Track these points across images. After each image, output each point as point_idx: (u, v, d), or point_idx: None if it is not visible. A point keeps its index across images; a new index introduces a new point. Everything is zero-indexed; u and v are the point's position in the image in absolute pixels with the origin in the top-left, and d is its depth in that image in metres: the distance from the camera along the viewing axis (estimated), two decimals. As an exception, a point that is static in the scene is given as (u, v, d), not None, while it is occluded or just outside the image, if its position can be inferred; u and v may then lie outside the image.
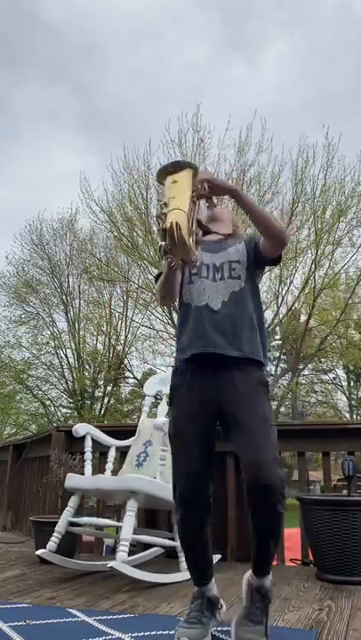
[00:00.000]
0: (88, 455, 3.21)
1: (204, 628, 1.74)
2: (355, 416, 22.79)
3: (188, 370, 1.83)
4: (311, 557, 3.04)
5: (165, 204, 1.53)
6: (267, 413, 1.74)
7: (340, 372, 22.70)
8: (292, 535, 3.96)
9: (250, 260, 1.91)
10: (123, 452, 3.47)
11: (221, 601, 1.90)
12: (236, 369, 1.76)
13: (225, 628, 1.88)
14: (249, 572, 1.79)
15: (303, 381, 20.34)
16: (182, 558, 2.83)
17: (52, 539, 2.84)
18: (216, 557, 3.03)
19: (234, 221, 2.12)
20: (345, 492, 2.97)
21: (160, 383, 3.56)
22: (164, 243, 1.50)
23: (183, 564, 2.82)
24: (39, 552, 2.88)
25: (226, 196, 1.86)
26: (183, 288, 1.92)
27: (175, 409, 1.85)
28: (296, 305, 17.84)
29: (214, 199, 1.84)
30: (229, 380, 1.76)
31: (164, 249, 1.52)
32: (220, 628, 1.89)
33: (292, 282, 17.43)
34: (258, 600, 1.73)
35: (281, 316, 17.76)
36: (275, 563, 3.46)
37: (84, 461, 3.21)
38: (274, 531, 1.71)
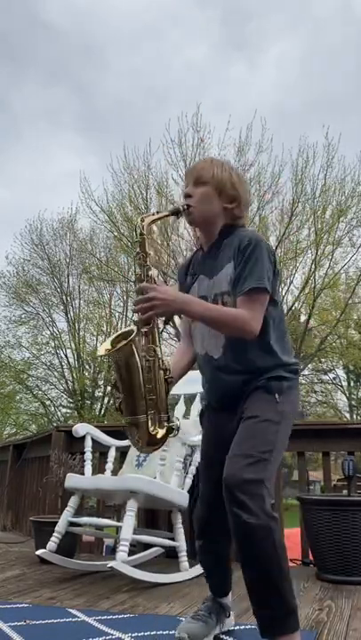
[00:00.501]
0: (88, 455, 3.21)
1: (206, 627, 1.73)
2: (355, 416, 22.79)
3: (208, 406, 1.76)
4: (311, 557, 3.04)
5: (123, 401, 1.49)
6: (263, 412, 1.55)
7: (341, 372, 22.71)
8: (292, 535, 3.96)
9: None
10: (123, 452, 3.47)
11: (231, 613, 1.87)
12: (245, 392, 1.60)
13: (224, 629, 1.88)
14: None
15: (303, 381, 20.33)
16: (182, 558, 2.83)
17: (52, 539, 2.84)
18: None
19: (224, 191, 1.62)
20: (345, 491, 2.97)
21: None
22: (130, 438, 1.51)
23: (184, 564, 2.82)
24: (39, 552, 2.88)
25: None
26: (190, 326, 1.75)
27: (203, 431, 1.80)
28: (296, 305, 17.84)
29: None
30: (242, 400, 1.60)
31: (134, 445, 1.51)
32: (224, 629, 1.89)
33: (292, 282, 17.44)
34: None
35: (281, 316, 17.72)
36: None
37: (84, 461, 3.21)
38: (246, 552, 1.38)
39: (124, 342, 1.45)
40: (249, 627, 1.93)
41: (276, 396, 1.55)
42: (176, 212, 1.62)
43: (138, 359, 1.49)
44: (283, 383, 1.58)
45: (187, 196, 1.63)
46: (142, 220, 1.62)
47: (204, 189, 1.60)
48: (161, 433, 1.49)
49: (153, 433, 1.49)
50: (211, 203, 1.61)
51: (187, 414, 3.41)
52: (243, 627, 1.92)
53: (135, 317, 1.55)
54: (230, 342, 1.58)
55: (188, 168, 1.76)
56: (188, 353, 1.74)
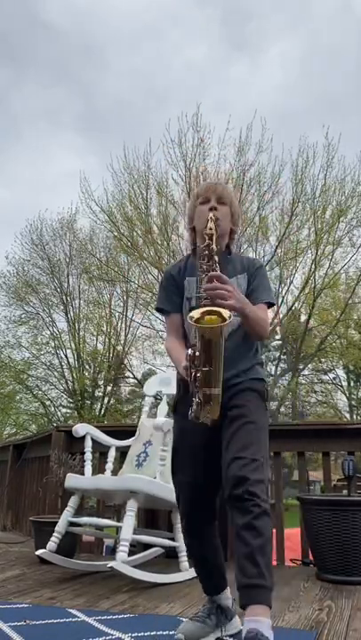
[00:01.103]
0: (88, 455, 3.21)
1: (205, 628, 1.77)
2: (355, 416, 22.78)
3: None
4: (311, 557, 3.04)
5: (202, 375, 1.56)
6: (260, 419, 1.73)
7: (341, 372, 22.71)
8: (292, 535, 3.96)
9: (249, 296, 1.82)
10: (123, 452, 3.47)
11: (236, 618, 1.85)
12: (238, 387, 1.76)
13: (234, 632, 1.88)
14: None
15: (303, 381, 20.34)
16: (183, 558, 2.83)
17: (52, 539, 2.84)
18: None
19: (234, 216, 1.89)
20: (345, 491, 2.97)
21: (160, 383, 3.56)
22: (196, 408, 1.58)
23: (184, 564, 2.82)
24: (39, 552, 2.88)
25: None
26: (185, 324, 1.85)
27: (176, 419, 1.88)
28: (296, 305, 17.85)
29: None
30: (234, 393, 1.75)
31: (195, 415, 1.59)
32: (228, 633, 1.88)
33: (292, 282, 17.46)
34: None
35: (281, 315, 17.77)
36: (274, 562, 3.46)
37: (84, 461, 3.21)
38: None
39: (223, 323, 1.53)
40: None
41: (266, 403, 1.79)
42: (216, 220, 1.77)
43: (222, 341, 1.58)
44: (265, 385, 1.82)
45: (213, 208, 1.82)
46: (213, 222, 1.74)
47: (226, 209, 1.86)
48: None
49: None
50: (227, 222, 1.86)
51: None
52: (242, 627, 1.92)
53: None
54: (232, 336, 1.79)
55: (208, 186, 1.91)
56: (184, 347, 1.80)
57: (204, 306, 1.59)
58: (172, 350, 1.86)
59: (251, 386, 1.77)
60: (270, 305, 1.87)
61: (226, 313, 1.55)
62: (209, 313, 1.57)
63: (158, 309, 1.98)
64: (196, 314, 1.57)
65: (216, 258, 1.68)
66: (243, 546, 1.49)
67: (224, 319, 1.54)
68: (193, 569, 2.78)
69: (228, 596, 1.86)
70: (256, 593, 1.45)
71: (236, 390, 1.74)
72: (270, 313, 1.86)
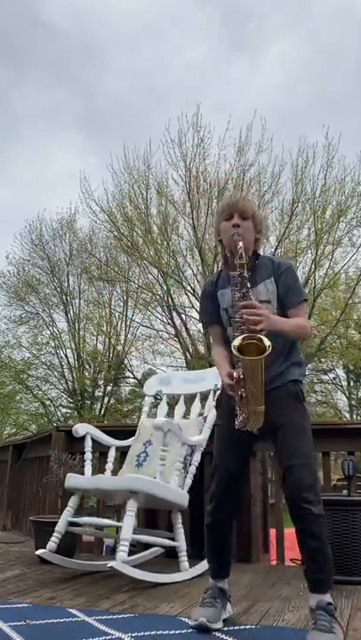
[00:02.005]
0: (88, 455, 3.21)
1: (218, 611, 1.93)
2: (355, 416, 22.79)
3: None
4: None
5: (247, 395, 1.82)
6: (302, 422, 1.97)
7: (340, 372, 22.71)
8: (292, 535, 3.95)
9: (278, 298, 1.99)
10: (123, 452, 3.47)
11: (228, 604, 2.04)
12: (275, 392, 1.93)
13: (226, 628, 1.88)
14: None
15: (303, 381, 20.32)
16: (183, 558, 2.83)
17: (52, 539, 2.84)
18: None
19: (257, 226, 2.05)
20: (345, 491, 2.97)
21: (160, 383, 3.57)
22: (243, 419, 1.86)
23: (184, 564, 2.82)
24: (39, 552, 2.88)
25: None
26: (228, 330, 2.06)
27: (219, 412, 2.17)
28: (296, 305, 17.81)
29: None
30: (273, 398, 1.91)
31: (243, 425, 1.87)
32: (221, 628, 1.89)
33: (292, 282, 17.41)
34: (323, 615, 1.76)
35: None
36: (274, 562, 3.46)
37: (84, 461, 3.20)
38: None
39: (263, 354, 1.75)
40: (248, 627, 1.93)
41: (304, 403, 2.00)
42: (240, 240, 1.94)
43: (262, 366, 1.79)
44: (300, 385, 2.01)
45: (236, 225, 1.98)
46: (241, 247, 1.91)
47: (248, 223, 2.01)
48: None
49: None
50: (251, 234, 2.02)
51: (187, 414, 3.42)
52: (243, 627, 1.93)
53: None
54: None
55: (231, 202, 2.07)
56: (226, 356, 2.04)
57: (243, 333, 1.80)
58: (216, 358, 2.10)
59: (286, 390, 1.96)
60: (304, 301, 2.04)
61: (266, 342, 1.75)
62: (250, 338, 1.79)
63: (201, 321, 2.25)
64: (237, 342, 1.78)
65: (249, 284, 1.86)
66: (305, 547, 1.81)
67: (264, 349, 1.74)
68: (193, 569, 2.80)
69: (225, 583, 2.05)
70: (318, 584, 1.81)
71: (275, 396, 1.91)
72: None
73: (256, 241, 2.05)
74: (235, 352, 1.76)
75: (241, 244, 1.91)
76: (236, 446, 2.00)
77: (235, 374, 1.82)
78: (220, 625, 1.90)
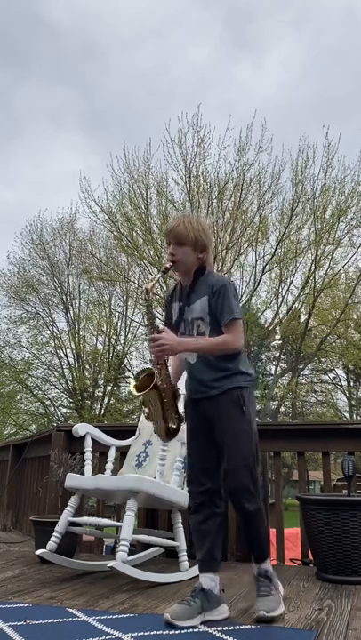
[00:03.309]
0: (88, 455, 3.21)
1: (189, 610, 1.94)
2: (355, 416, 22.79)
3: (189, 399, 2.23)
4: (311, 557, 3.04)
5: (150, 417, 2.21)
6: (239, 427, 2.06)
7: (340, 372, 22.72)
8: (292, 535, 3.96)
9: (212, 315, 2.11)
10: (123, 452, 3.47)
11: (224, 606, 2.07)
12: (215, 400, 2.10)
13: (224, 628, 1.88)
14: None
15: (303, 381, 20.35)
16: (182, 558, 2.83)
17: (52, 539, 2.84)
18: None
19: (197, 247, 2.16)
20: (345, 491, 2.97)
21: (160, 383, 3.56)
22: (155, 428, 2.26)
23: (184, 564, 2.82)
24: (39, 552, 2.88)
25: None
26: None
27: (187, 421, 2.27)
28: (296, 305, 17.85)
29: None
30: (212, 408, 2.12)
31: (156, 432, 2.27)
32: (219, 628, 1.89)
33: (292, 282, 17.46)
34: (263, 582, 2.09)
35: (281, 315, 17.77)
36: (274, 562, 3.46)
37: (84, 461, 3.20)
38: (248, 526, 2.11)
39: (150, 388, 2.11)
40: (248, 627, 1.93)
41: (243, 408, 2.08)
42: (166, 271, 2.16)
43: (158, 391, 2.14)
44: (239, 392, 2.10)
45: (172, 254, 2.14)
46: (146, 290, 2.17)
47: (185, 249, 2.13)
48: (176, 425, 2.18)
49: (171, 429, 2.17)
50: (190, 257, 2.14)
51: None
52: (243, 627, 1.93)
53: (149, 359, 2.30)
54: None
55: (168, 229, 2.21)
56: (180, 363, 2.27)
57: (153, 365, 2.14)
58: (172, 367, 2.29)
59: (227, 396, 2.08)
60: (233, 320, 2.09)
61: (155, 376, 2.11)
62: (141, 374, 2.18)
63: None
64: (132, 385, 2.15)
65: (157, 323, 2.13)
66: (246, 533, 2.13)
67: (151, 382, 2.10)
68: (193, 569, 2.80)
69: (215, 582, 2.07)
70: (258, 557, 2.13)
71: (214, 402, 2.09)
72: (239, 327, 2.18)
73: (199, 259, 2.15)
74: (133, 391, 2.12)
75: (145, 286, 2.16)
76: (205, 443, 2.14)
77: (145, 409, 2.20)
78: (189, 623, 1.91)
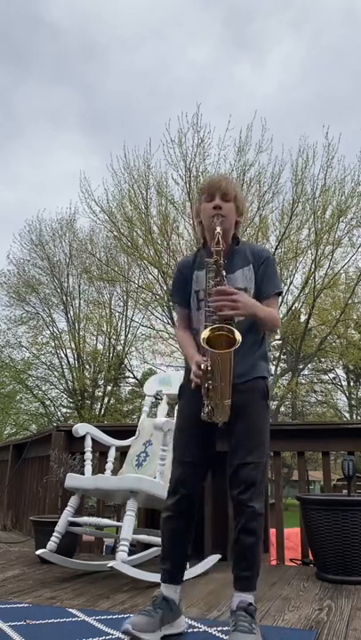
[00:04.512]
0: (88, 455, 3.21)
1: (152, 621, 1.74)
2: (355, 416, 22.79)
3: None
4: (311, 557, 3.04)
5: (214, 388, 1.74)
6: (263, 421, 1.88)
7: (340, 372, 22.72)
8: (292, 535, 3.95)
9: (255, 288, 1.91)
10: (123, 452, 3.47)
11: (182, 617, 1.88)
12: (239, 388, 1.81)
13: (224, 628, 1.88)
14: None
15: (303, 381, 20.34)
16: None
17: (52, 539, 2.84)
18: (216, 557, 3.03)
19: (239, 208, 1.96)
20: (345, 491, 2.97)
21: (160, 383, 3.56)
22: (209, 411, 1.78)
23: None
24: (39, 552, 2.88)
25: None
26: (192, 314, 1.98)
27: (181, 403, 2.01)
28: (296, 305, 17.84)
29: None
30: (237, 393, 1.80)
31: (208, 417, 1.78)
32: (219, 628, 1.89)
33: (292, 282, 17.44)
34: (243, 617, 1.72)
35: (281, 315, 17.76)
36: (274, 562, 3.46)
37: (84, 461, 3.20)
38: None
39: (232, 348, 1.68)
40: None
41: (268, 401, 1.91)
42: (220, 223, 1.87)
43: (231, 359, 1.72)
44: (266, 382, 1.93)
45: (217, 207, 1.90)
46: (219, 233, 1.82)
47: (230, 205, 1.92)
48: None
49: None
50: (233, 217, 1.94)
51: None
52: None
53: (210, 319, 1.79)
54: (237, 326, 1.79)
55: (212, 182, 1.96)
56: (193, 342, 1.95)
57: (213, 322, 1.74)
58: (182, 343, 1.99)
59: (254, 385, 1.87)
60: (279, 293, 1.98)
61: (237, 334, 1.68)
62: (219, 330, 1.72)
63: (172, 300, 2.13)
64: (206, 333, 1.71)
65: (224, 272, 1.79)
66: (240, 543, 1.79)
67: (233, 341, 1.68)
68: (193, 569, 2.80)
69: (178, 592, 1.86)
70: (245, 583, 1.78)
71: (240, 390, 1.81)
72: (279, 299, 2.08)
73: (237, 224, 1.97)
74: (203, 344, 1.70)
75: (219, 229, 1.83)
76: (201, 438, 1.88)
77: (202, 366, 1.73)
78: (150, 637, 1.71)
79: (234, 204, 1.93)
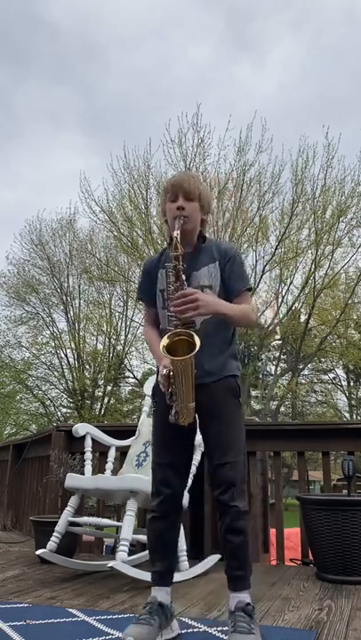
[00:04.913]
0: (88, 455, 3.21)
1: (152, 630, 1.72)
2: (355, 416, 22.79)
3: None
4: (311, 557, 3.04)
5: (175, 394, 1.76)
6: (236, 419, 1.86)
7: (340, 372, 22.72)
8: (292, 535, 3.95)
9: (221, 285, 1.89)
10: (123, 452, 3.47)
11: (175, 622, 1.87)
12: (208, 388, 1.83)
13: (224, 628, 1.88)
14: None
15: (303, 381, 20.34)
16: (182, 558, 2.83)
17: (52, 539, 2.84)
18: (216, 557, 3.03)
19: (204, 207, 1.94)
20: (345, 491, 2.97)
21: (160, 383, 3.55)
22: (174, 414, 1.79)
23: (183, 564, 2.82)
24: (39, 552, 2.88)
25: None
26: (159, 313, 1.97)
27: (155, 405, 1.99)
28: (296, 305, 17.84)
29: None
30: (205, 397, 1.83)
31: (174, 420, 1.79)
32: (219, 628, 1.89)
33: (292, 282, 17.44)
34: (242, 617, 1.71)
35: (281, 315, 17.76)
36: (274, 562, 3.46)
37: (84, 461, 3.21)
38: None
39: (191, 354, 1.68)
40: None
41: (239, 399, 1.89)
42: (181, 225, 1.86)
43: (193, 363, 1.73)
44: (237, 380, 1.90)
45: (180, 208, 1.88)
46: (175, 238, 1.81)
47: (194, 204, 1.91)
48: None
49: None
50: (197, 216, 1.92)
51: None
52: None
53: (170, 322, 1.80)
54: (204, 325, 1.84)
55: (175, 182, 1.93)
56: (160, 338, 1.90)
57: (175, 327, 1.74)
58: (151, 343, 2.00)
59: (225, 384, 1.87)
60: (249, 289, 1.93)
61: (196, 338, 1.69)
62: (178, 335, 1.73)
63: (138, 298, 2.11)
64: (165, 341, 1.72)
65: (184, 277, 1.77)
66: (228, 543, 1.79)
67: (193, 345, 1.68)
68: (193, 569, 2.80)
69: (169, 595, 1.86)
70: (239, 582, 1.78)
71: (210, 390, 1.84)
72: (251, 299, 1.99)
73: (202, 222, 1.96)
74: (163, 353, 1.70)
75: (176, 233, 1.81)
76: (178, 438, 1.87)
77: (164, 371, 1.74)
78: None
79: (198, 203, 1.91)
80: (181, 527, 2.84)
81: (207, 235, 2.02)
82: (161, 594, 1.83)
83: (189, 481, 2.90)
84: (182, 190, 1.89)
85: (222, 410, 1.85)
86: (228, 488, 1.77)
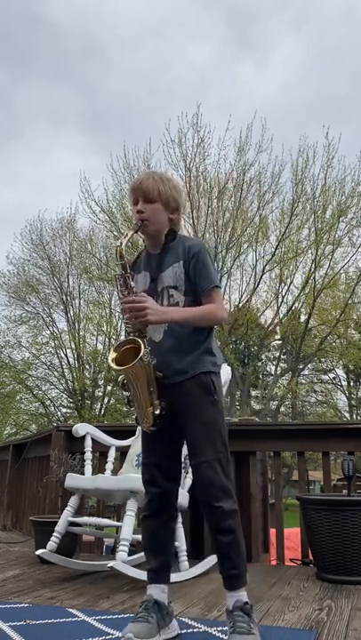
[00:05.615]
0: (88, 455, 3.21)
1: (151, 627, 1.72)
2: (355, 416, 22.79)
3: None
4: (311, 557, 3.04)
5: (132, 401, 1.82)
6: (210, 417, 1.82)
7: (340, 372, 22.73)
8: (292, 535, 3.96)
9: (188, 283, 1.87)
10: (123, 452, 3.47)
11: (174, 622, 1.85)
12: (181, 386, 1.83)
13: (224, 628, 1.88)
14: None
15: (303, 381, 20.35)
16: (182, 558, 2.83)
17: (52, 539, 2.84)
18: (216, 557, 3.03)
19: (169, 205, 1.91)
20: (345, 491, 2.97)
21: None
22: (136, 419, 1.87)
23: (184, 564, 2.82)
24: (39, 552, 2.88)
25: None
26: None
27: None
28: (296, 305, 17.85)
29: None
30: (178, 396, 1.84)
31: (137, 424, 1.88)
32: (219, 628, 1.89)
33: (292, 282, 17.46)
34: (240, 617, 1.70)
35: (281, 315, 17.77)
36: (274, 562, 3.46)
37: (84, 461, 3.20)
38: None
39: (133, 362, 1.71)
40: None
41: (215, 395, 1.85)
42: (137, 229, 1.88)
43: (144, 367, 1.75)
44: (210, 377, 1.86)
45: (140, 212, 1.87)
46: (120, 245, 1.83)
47: (154, 206, 1.88)
48: (159, 411, 1.81)
49: (157, 415, 1.81)
50: (160, 217, 1.89)
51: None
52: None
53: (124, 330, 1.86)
54: (173, 325, 1.84)
55: (134, 185, 1.92)
56: None
57: (129, 334, 1.79)
58: None
59: (196, 383, 1.83)
60: (216, 287, 1.88)
61: (142, 344, 1.72)
62: (124, 344, 1.77)
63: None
64: (112, 355, 1.77)
65: (132, 284, 1.80)
66: (217, 544, 1.77)
67: (137, 351, 1.71)
68: (193, 569, 2.80)
69: (166, 593, 1.85)
70: (235, 581, 1.75)
71: (183, 388, 1.82)
72: (220, 296, 1.94)
73: (171, 220, 1.91)
74: (111, 364, 1.74)
75: (120, 241, 1.82)
76: (163, 439, 1.85)
77: (118, 379, 1.79)
78: None
79: (160, 203, 1.88)
80: (181, 527, 2.87)
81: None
82: (156, 591, 1.82)
83: (188, 481, 2.91)
84: (141, 192, 1.88)
85: (196, 408, 1.81)
86: (207, 488, 1.75)
